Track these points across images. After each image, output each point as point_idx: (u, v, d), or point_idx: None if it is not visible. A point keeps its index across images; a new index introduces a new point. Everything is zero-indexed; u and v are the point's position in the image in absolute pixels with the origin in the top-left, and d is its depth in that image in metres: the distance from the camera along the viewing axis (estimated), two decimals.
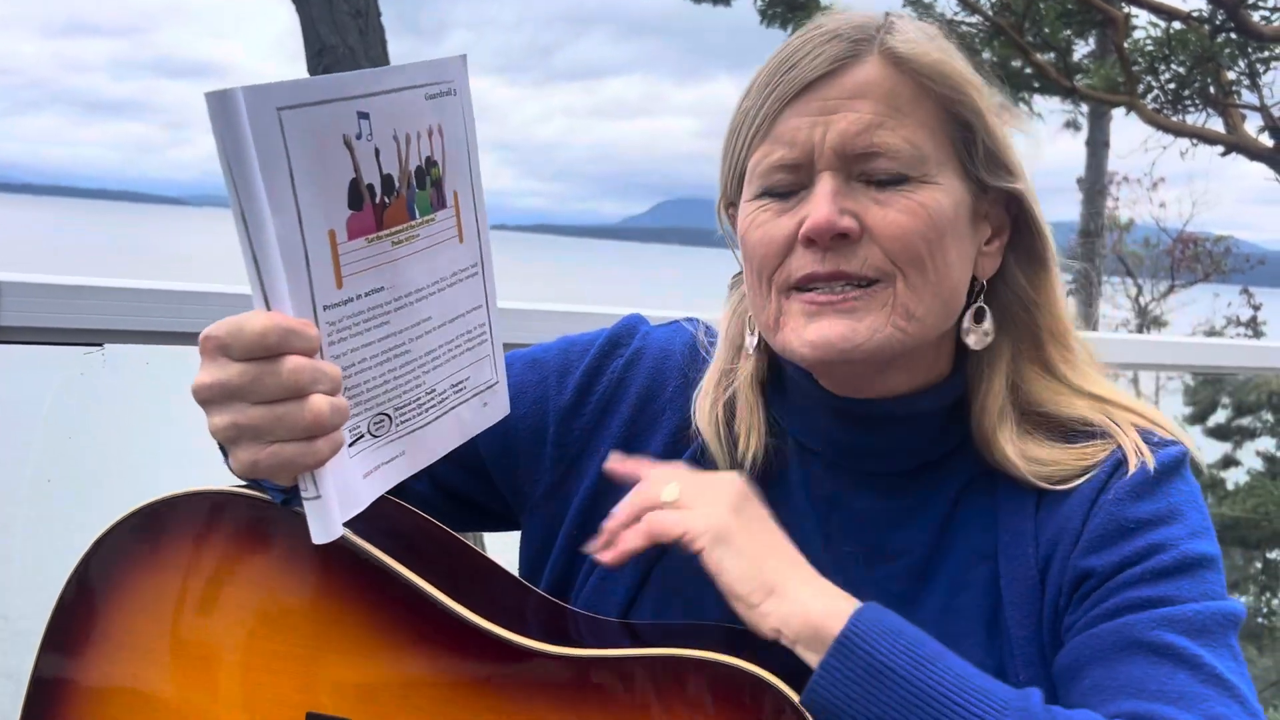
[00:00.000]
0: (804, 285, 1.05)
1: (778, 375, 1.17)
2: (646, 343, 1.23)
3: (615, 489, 1.17)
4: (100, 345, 1.51)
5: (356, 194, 0.89)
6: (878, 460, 1.13)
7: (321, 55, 5.70)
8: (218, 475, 1.16)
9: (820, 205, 1.02)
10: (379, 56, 5.82)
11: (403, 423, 0.99)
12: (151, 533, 1.08)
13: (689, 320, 1.27)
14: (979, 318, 1.10)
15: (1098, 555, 1.03)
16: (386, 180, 0.91)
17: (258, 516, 1.06)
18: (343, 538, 0.94)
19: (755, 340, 1.15)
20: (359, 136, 0.88)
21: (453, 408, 1.04)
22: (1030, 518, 1.08)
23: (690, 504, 1.03)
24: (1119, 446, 1.07)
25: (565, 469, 1.20)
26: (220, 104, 0.80)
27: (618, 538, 1.04)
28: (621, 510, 1.06)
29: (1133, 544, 1.02)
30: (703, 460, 1.16)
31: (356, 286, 0.91)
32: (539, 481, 1.21)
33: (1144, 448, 1.07)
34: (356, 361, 0.93)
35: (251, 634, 1.04)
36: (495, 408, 1.10)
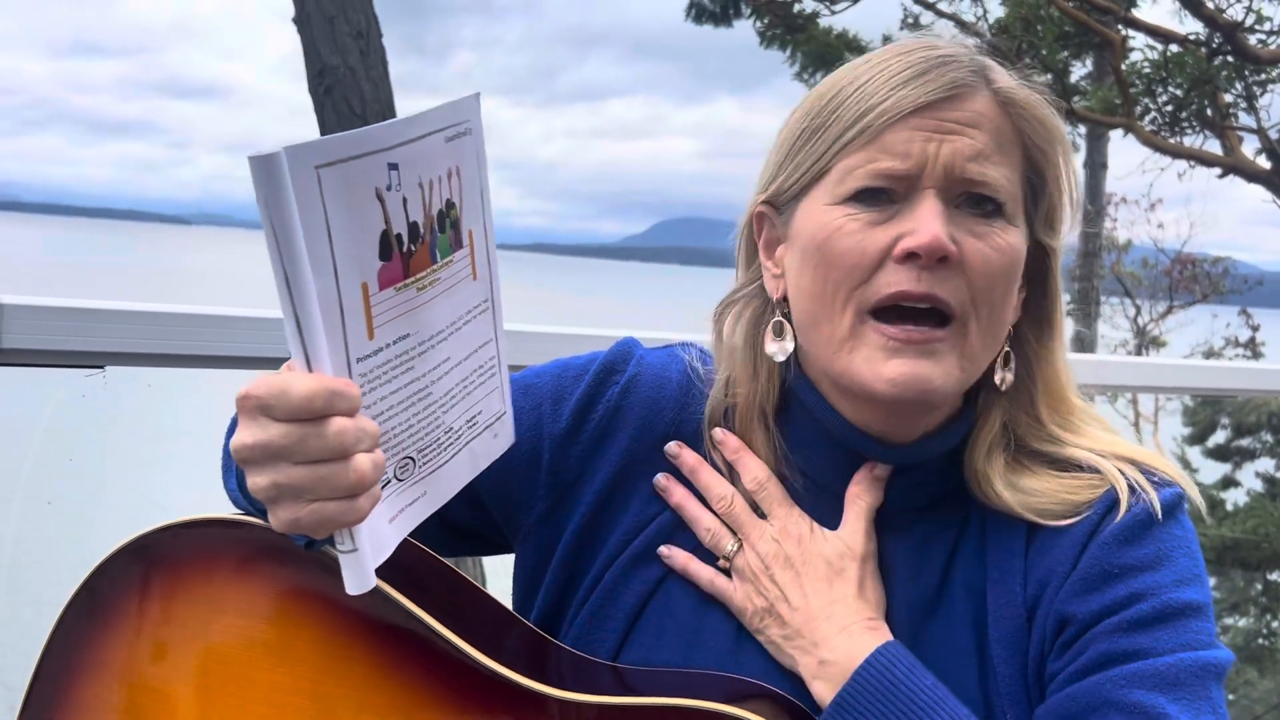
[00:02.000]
0: (886, 307, 1.03)
1: (785, 405, 1.16)
2: (641, 369, 1.22)
3: (610, 517, 1.18)
4: (101, 367, 1.51)
5: (386, 245, 0.89)
6: (886, 505, 1.13)
7: (322, 76, 5.72)
8: (219, 494, 1.16)
9: (931, 223, 1.00)
10: (380, 77, 5.84)
11: (425, 464, 0.98)
12: (147, 562, 1.07)
13: (683, 345, 1.26)
14: (1006, 361, 1.11)
15: (1080, 600, 1.03)
16: (413, 228, 0.91)
17: (258, 545, 1.05)
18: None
19: (791, 347, 1.12)
20: (389, 188, 0.87)
21: (467, 443, 1.04)
22: (1020, 556, 1.08)
23: (735, 574, 1.13)
24: (1113, 486, 1.06)
25: (559, 496, 1.19)
26: (265, 168, 0.79)
27: (685, 558, 1.15)
28: (703, 520, 1.15)
29: (1115, 591, 1.02)
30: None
31: (386, 336, 0.90)
32: (533, 508, 1.20)
33: (1142, 486, 1.06)
34: (385, 410, 0.92)
35: (255, 666, 1.04)
36: (504, 438, 1.10)
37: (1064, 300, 1.14)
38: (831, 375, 1.08)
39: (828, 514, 1.14)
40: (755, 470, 1.14)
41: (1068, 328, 1.17)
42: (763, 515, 1.14)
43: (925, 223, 1.00)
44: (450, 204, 0.95)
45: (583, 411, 1.20)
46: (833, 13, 9.51)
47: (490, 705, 1.01)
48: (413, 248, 0.91)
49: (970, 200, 1.03)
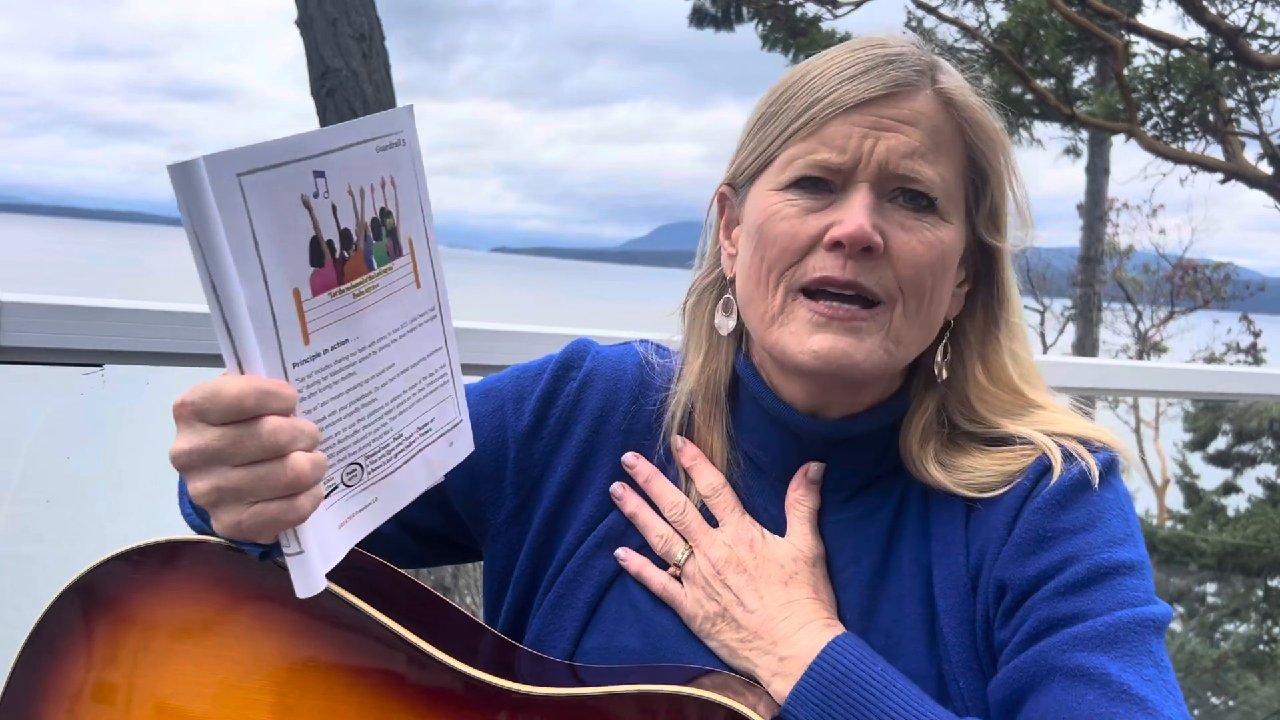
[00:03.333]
0: (814, 289, 1.07)
1: (734, 390, 1.20)
2: (598, 363, 1.25)
3: (571, 508, 1.21)
4: (100, 366, 1.51)
5: (317, 251, 0.90)
6: (825, 479, 1.16)
7: (325, 79, 5.73)
8: None
9: (858, 214, 1.05)
10: (382, 80, 5.84)
11: (373, 470, 1.00)
12: (99, 594, 1.07)
13: (641, 341, 1.30)
14: (944, 352, 1.15)
15: (1016, 565, 1.05)
16: (344, 235, 0.93)
17: (215, 562, 1.05)
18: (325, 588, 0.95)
19: (734, 323, 1.17)
20: (316, 195, 0.89)
21: (420, 450, 1.05)
22: (961, 527, 1.10)
23: (685, 580, 1.15)
24: (1045, 454, 1.08)
25: (526, 493, 1.22)
26: (184, 175, 0.81)
27: (644, 566, 1.17)
28: (654, 530, 1.18)
29: (1049, 555, 1.04)
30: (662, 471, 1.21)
31: (323, 341, 0.92)
32: (501, 508, 1.22)
33: (1076, 452, 1.08)
34: (327, 415, 0.94)
35: (220, 681, 1.04)
36: (460, 446, 1.12)
37: (1014, 296, 1.17)
38: (765, 349, 1.13)
39: (772, 499, 1.17)
40: (710, 477, 1.18)
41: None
42: (715, 524, 1.17)
43: (853, 214, 1.05)
44: (386, 212, 0.97)
45: (543, 408, 1.23)
46: (835, 16, 9.52)
47: (455, 705, 1.01)
48: (346, 254, 0.93)
49: (904, 195, 1.07)
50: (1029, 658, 1.01)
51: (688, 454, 1.19)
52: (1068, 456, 1.08)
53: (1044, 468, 1.08)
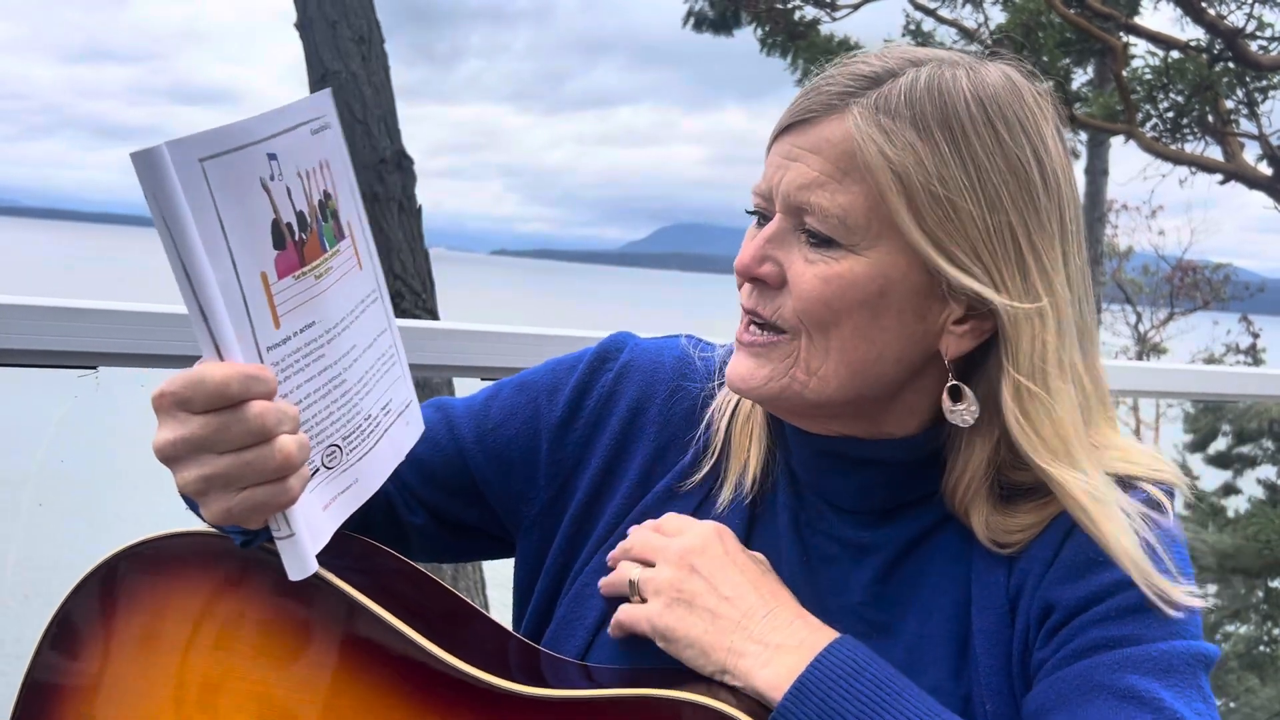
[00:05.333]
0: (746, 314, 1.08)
1: None
2: (635, 355, 1.23)
3: (605, 497, 1.19)
4: (94, 368, 1.50)
5: (279, 233, 0.91)
6: (850, 498, 1.12)
7: (324, 81, 5.72)
8: None
9: (749, 246, 1.05)
10: (382, 83, 5.84)
11: (351, 451, 1.01)
12: (115, 585, 1.06)
13: (686, 336, 1.28)
14: (954, 395, 1.05)
15: (1064, 587, 1.02)
16: (300, 217, 0.94)
17: (219, 556, 1.04)
18: (327, 579, 0.96)
19: None
20: (272, 178, 0.90)
21: (385, 430, 1.06)
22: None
23: (646, 589, 1.07)
24: None
25: (560, 485, 1.21)
26: (146, 163, 0.81)
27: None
28: (606, 583, 1.12)
29: (1100, 578, 1.01)
30: (692, 471, 1.17)
31: (292, 324, 0.93)
32: (535, 500, 1.21)
33: (1131, 478, 1.06)
34: (303, 397, 0.94)
35: (222, 673, 1.03)
36: (415, 425, 1.14)
37: (1035, 337, 1.01)
38: None
39: (803, 511, 1.14)
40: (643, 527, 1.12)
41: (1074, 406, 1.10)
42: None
43: (747, 246, 1.05)
44: (327, 194, 0.98)
45: (578, 400, 1.21)
46: (833, 19, 9.52)
47: (458, 705, 1.00)
48: (303, 236, 0.94)
49: (806, 227, 1.02)
50: (1074, 672, 0.98)
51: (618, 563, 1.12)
52: (1123, 484, 1.05)
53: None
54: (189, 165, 0.82)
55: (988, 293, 1.00)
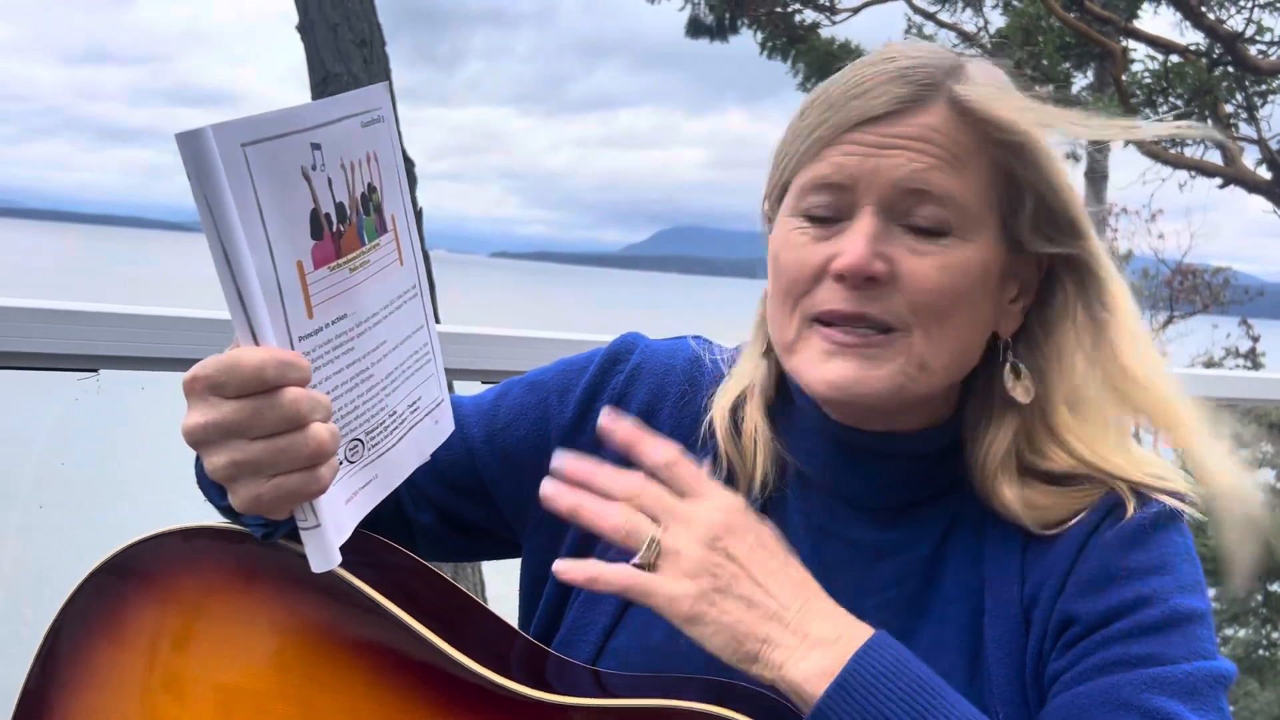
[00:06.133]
0: (826, 319, 1.04)
1: (784, 396, 1.16)
2: (646, 356, 1.22)
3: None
4: (95, 371, 1.50)
5: (317, 224, 0.91)
6: (870, 494, 1.12)
7: (326, 84, 5.72)
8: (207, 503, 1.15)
9: (856, 244, 1.01)
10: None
11: (373, 446, 1.00)
12: (127, 578, 1.06)
13: (694, 337, 1.27)
14: (1016, 372, 1.07)
15: (1084, 601, 1.01)
16: (339, 208, 0.93)
17: (242, 554, 1.04)
18: (343, 576, 0.95)
19: (764, 347, 1.15)
20: (314, 167, 0.90)
21: (411, 428, 1.06)
22: (1017, 555, 1.07)
23: (663, 562, 0.97)
24: (1113, 490, 1.05)
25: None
26: (191, 144, 0.81)
27: (593, 570, 0.98)
28: (608, 518, 0.99)
29: (1120, 593, 1.00)
30: (714, 466, 1.15)
31: (325, 315, 0.92)
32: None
33: (1146, 490, 1.05)
34: (330, 390, 0.93)
35: (241, 674, 1.03)
36: (444, 425, 1.12)
37: (1110, 304, 1.07)
38: (789, 373, 1.09)
39: (816, 509, 1.13)
40: (662, 451, 1.02)
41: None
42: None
43: (852, 244, 1.01)
44: (372, 188, 0.97)
45: (589, 400, 1.20)
46: (833, 22, 9.53)
47: (479, 710, 1.00)
48: (341, 228, 0.93)
49: (915, 217, 1.02)
50: (1097, 688, 0.98)
51: (621, 431, 1.04)
52: (1140, 495, 1.04)
53: (1112, 504, 1.04)
54: (232, 149, 0.82)
55: (1056, 249, 1.06)
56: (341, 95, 0.93)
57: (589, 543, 1.16)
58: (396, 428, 1.03)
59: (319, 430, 0.87)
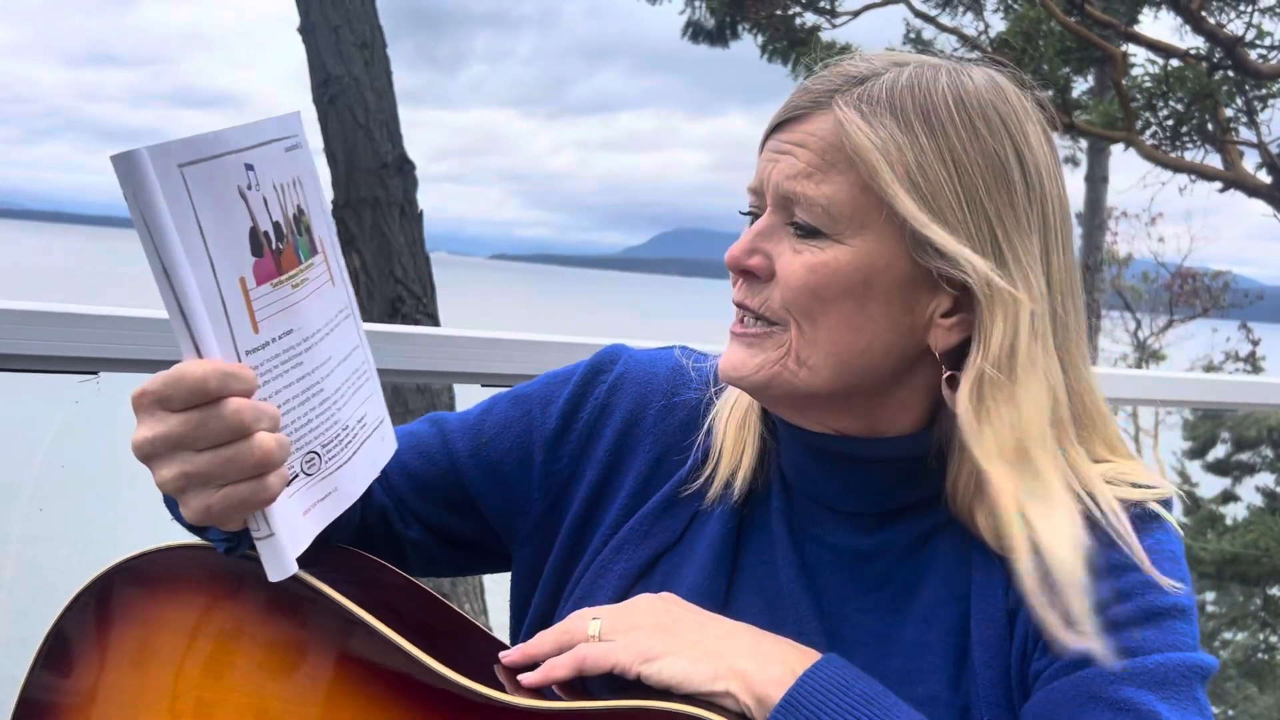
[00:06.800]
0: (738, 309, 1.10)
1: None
2: (629, 367, 1.24)
3: (601, 509, 1.19)
4: (95, 373, 1.51)
5: (256, 241, 0.93)
6: (844, 499, 1.12)
7: (327, 85, 5.73)
8: None
9: (741, 239, 1.08)
10: (384, 88, 5.84)
11: (330, 459, 1.02)
12: (110, 598, 1.06)
13: (680, 348, 1.28)
14: (952, 385, 1.04)
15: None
16: (276, 227, 0.96)
17: (216, 569, 1.04)
18: (325, 592, 0.96)
19: None
20: (249, 187, 0.92)
21: (363, 443, 1.08)
22: (1000, 563, 1.06)
23: (613, 635, 1.01)
24: (1094, 500, 1.04)
25: (555, 497, 1.21)
26: (127, 165, 0.83)
27: (545, 664, 1.01)
28: (546, 638, 1.04)
29: (1097, 591, 1.00)
30: (691, 478, 1.17)
31: (270, 330, 0.94)
32: (529, 513, 1.21)
33: (1126, 493, 1.05)
34: (282, 403, 0.95)
35: (222, 688, 1.03)
36: (389, 443, 1.15)
37: (1006, 335, 1.01)
38: None
39: (796, 514, 1.14)
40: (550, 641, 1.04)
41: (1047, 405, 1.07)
42: None
43: (739, 239, 1.08)
44: (300, 210, 1.00)
45: (572, 411, 1.21)
46: (833, 26, 9.54)
47: (455, 718, 1.00)
48: (280, 246, 0.96)
49: (794, 218, 1.05)
50: (1070, 683, 0.99)
51: (532, 681, 1.02)
52: (1119, 498, 1.05)
53: (1091, 522, 1.03)
54: (168, 170, 0.84)
55: (968, 254, 0.99)
56: (260, 121, 0.95)
57: (575, 554, 1.19)
58: (350, 441, 1.05)
59: (264, 439, 0.88)
